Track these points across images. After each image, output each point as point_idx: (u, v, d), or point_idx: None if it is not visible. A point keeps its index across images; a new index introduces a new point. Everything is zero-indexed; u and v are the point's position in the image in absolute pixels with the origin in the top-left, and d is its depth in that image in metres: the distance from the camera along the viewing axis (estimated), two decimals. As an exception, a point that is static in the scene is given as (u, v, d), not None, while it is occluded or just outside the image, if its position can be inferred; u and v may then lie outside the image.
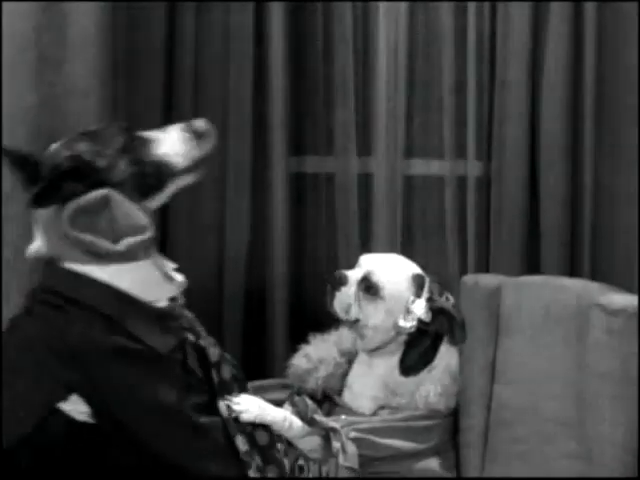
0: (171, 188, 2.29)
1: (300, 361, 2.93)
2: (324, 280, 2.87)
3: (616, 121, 3.22)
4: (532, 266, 3.28)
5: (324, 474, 2.64)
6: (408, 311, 2.77)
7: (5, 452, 2.10)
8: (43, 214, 2.20)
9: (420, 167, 3.49)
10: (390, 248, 3.23)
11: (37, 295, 2.24)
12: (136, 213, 2.20)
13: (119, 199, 2.19)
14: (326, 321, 3.06)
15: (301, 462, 2.65)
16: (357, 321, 2.79)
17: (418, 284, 2.80)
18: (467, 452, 2.85)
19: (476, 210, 3.34)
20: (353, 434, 2.68)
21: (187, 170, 2.27)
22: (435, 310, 2.77)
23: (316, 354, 2.92)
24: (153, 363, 2.15)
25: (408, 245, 3.38)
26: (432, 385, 2.80)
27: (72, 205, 2.17)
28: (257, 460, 2.27)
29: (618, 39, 3.20)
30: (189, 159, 2.26)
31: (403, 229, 3.44)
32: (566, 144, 3.24)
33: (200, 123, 2.27)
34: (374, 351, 2.83)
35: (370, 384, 2.82)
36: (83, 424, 2.14)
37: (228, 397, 2.30)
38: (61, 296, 2.17)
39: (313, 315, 3.35)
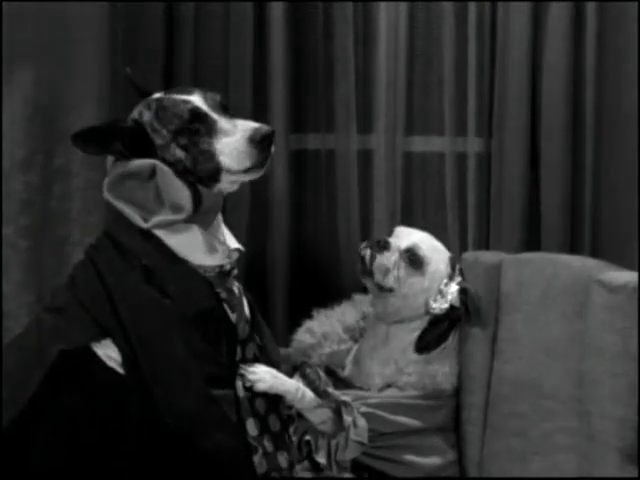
0: (227, 181, 2.25)
1: (304, 336, 2.94)
2: (363, 244, 2.86)
3: (617, 97, 3.22)
4: (532, 243, 3.28)
5: (332, 448, 2.65)
6: (441, 293, 2.78)
7: (39, 390, 2.13)
8: (109, 161, 2.26)
9: (420, 144, 3.48)
10: (390, 224, 3.23)
11: (96, 239, 2.32)
12: (179, 191, 2.21)
13: (166, 173, 2.20)
14: (327, 297, 3.07)
15: (308, 437, 2.66)
16: (390, 290, 2.79)
17: (452, 266, 2.83)
18: (468, 429, 2.87)
19: (476, 187, 3.34)
20: (363, 409, 2.69)
21: (238, 172, 2.23)
22: (461, 290, 2.79)
23: (320, 330, 2.93)
24: (177, 322, 2.17)
25: (408, 222, 3.37)
26: (440, 365, 2.82)
27: (121, 167, 2.22)
28: (267, 446, 2.27)
29: (619, 17, 3.20)
30: (241, 165, 2.20)
31: (403, 206, 3.44)
32: (567, 120, 3.24)
33: (264, 131, 2.19)
34: (395, 323, 2.83)
35: (380, 360, 2.82)
36: (113, 372, 2.16)
37: (243, 366, 2.29)
38: (111, 240, 2.24)
39: (314, 291, 3.36)
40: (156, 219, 2.20)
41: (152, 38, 3.24)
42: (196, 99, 2.23)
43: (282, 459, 2.29)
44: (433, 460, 2.78)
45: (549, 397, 2.66)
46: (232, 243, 2.35)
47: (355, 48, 3.38)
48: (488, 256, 2.99)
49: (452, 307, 2.80)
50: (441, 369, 2.82)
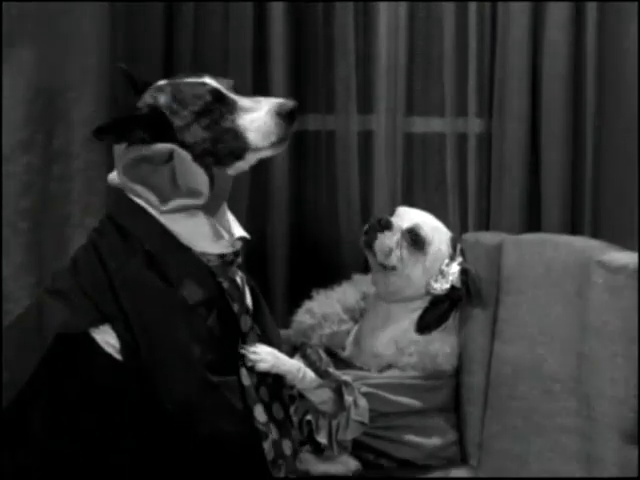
0: (250, 159, 2.25)
1: (304, 317, 2.94)
2: (365, 223, 2.88)
3: (618, 76, 3.22)
4: (533, 224, 3.28)
5: (334, 428, 2.65)
6: (442, 273, 2.78)
7: (37, 372, 2.13)
8: (118, 146, 2.24)
9: (421, 124, 3.48)
10: (391, 205, 3.23)
11: (100, 222, 2.30)
12: (197, 176, 2.19)
13: (183, 158, 2.18)
14: (327, 278, 3.07)
15: (309, 417, 2.67)
16: (393, 268, 2.79)
17: (453, 247, 2.83)
18: (468, 409, 2.87)
19: (477, 168, 3.35)
20: (364, 389, 2.70)
21: (264, 148, 2.23)
22: (462, 271, 2.79)
23: (320, 310, 2.93)
24: (179, 309, 2.16)
25: (409, 202, 3.36)
26: (441, 346, 2.82)
27: (135, 152, 2.19)
28: (273, 433, 2.26)
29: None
30: (267, 140, 2.20)
31: (404, 187, 3.43)
32: (567, 101, 3.24)
33: (290, 105, 2.20)
34: (396, 303, 2.83)
35: (380, 340, 2.83)
36: (110, 358, 2.15)
37: (245, 346, 2.29)
38: (114, 224, 2.23)
39: (313, 272, 3.36)
40: (173, 203, 2.19)
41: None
42: (211, 82, 2.24)
43: (286, 447, 2.29)
44: (434, 440, 2.79)
45: (549, 378, 2.66)
46: (237, 231, 2.34)
47: (355, 28, 3.36)
48: (489, 237, 2.99)
49: (453, 287, 2.80)
50: (442, 349, 2.82)
